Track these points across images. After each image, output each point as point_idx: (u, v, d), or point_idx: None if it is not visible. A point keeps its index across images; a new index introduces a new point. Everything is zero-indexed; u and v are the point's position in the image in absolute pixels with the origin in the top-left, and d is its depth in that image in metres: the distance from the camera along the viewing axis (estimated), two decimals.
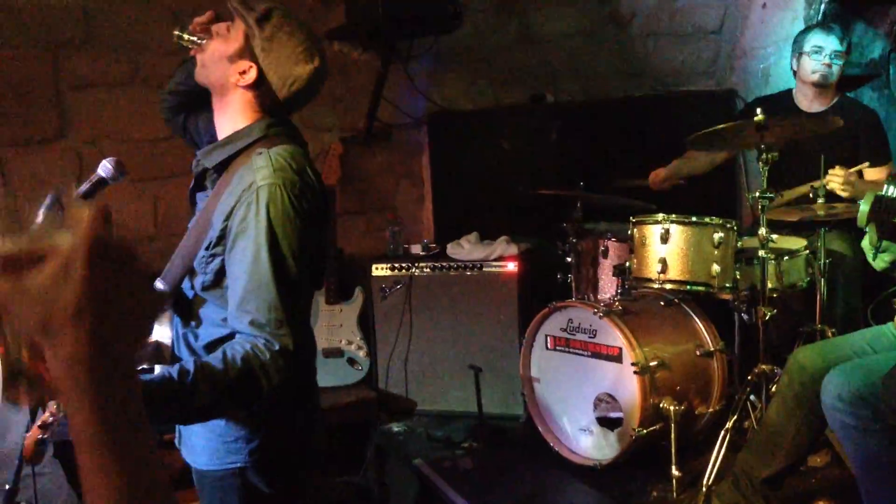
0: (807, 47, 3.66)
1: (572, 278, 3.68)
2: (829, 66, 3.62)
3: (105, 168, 1.85)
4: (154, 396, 1.52)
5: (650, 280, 3.23)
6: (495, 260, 3.87)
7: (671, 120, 4.61)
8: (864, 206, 2.11)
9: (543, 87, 4.53)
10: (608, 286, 3.58)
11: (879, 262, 2.21)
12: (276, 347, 1.63)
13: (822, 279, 3.22)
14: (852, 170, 3.27)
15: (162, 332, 1.88)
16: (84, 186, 1.82)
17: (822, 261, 3.23)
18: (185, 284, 1.85)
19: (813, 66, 3.65)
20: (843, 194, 3.19)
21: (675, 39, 4.87)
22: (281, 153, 1.77)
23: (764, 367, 3.03)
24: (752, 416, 3.12)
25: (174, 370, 1.56)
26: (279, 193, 1.70)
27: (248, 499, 1.81)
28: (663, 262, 3.17)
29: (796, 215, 3.17)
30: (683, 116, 4.63)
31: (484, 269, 3.87)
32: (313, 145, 4.12)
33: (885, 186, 2.08)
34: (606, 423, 3.29)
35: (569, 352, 3.37)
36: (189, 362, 1.59)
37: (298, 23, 1.82)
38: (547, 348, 3.44)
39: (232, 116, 1.84)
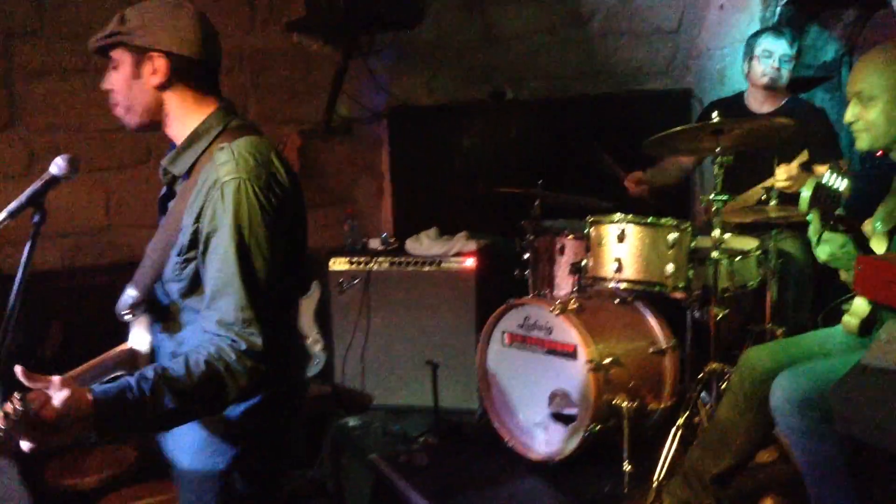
0: (757, 51, 3.73)
1: (530, 275, 3.71)
2: (778, 69, 3.68)
3: (58, 166, 1.81)
4: (113, 407, 1.52)
5: (606, 279, 3.26)
6: (454, 255, 3.89)
7: (629, 118, 4.67)
8: (804, 193, 2.15)
9: (504, 85, 4.55)
10: (565, 283, 3.62)
11: (821, 253, 2.25)
12: (243, 347, 1.61)
13: (773, 279, 3.29)
14: (793, 163, 3.33)
15: (138, 339, 1.86)
16: (36, 185, 1.78)
17: (774, 261, 3.29)
18: (159, 290, 1.82)
19: (763, 70, 3.71)
20: (788, 190, 3.25)
21: (633, 38, 4.92)
22: (243, 145, 1.74)
23: (715, 365, 3.09)
24: (703, 412, 3.18)
25: (133, 379, 1.55)
26: (244, 188, 1.67)
27: (227, 500, 1.80)
28: (619, 261, 3.21)
29: (749, 217, 3.23)
30: (641, 115, 4.68)
31: (442, 264, 3.89)
32: (273, 138, 4.13)
33: (826, 174, 2.13)
34: (561, 418, 3.33)
35: (525, 348, 3.40)
36: (149, 369, 1.57)
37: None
38: (503, 344, 3.47)
39: (180, 118, 1.82)
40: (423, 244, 3.96)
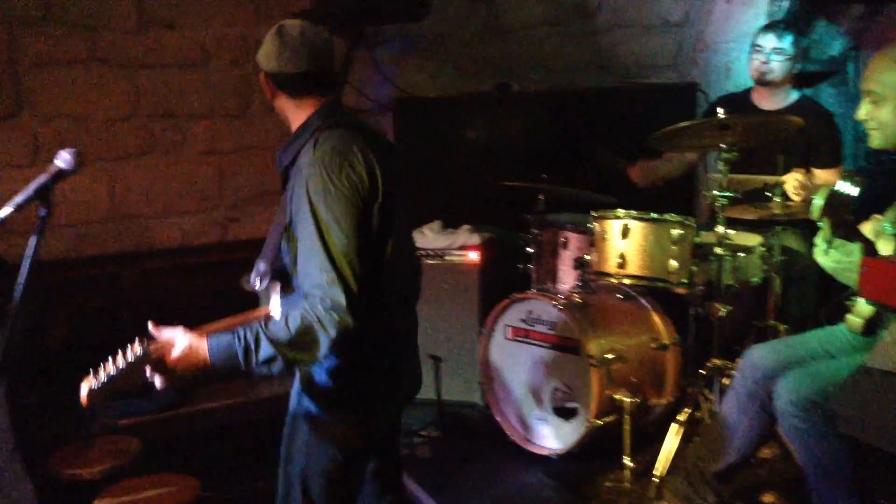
0: (752, 47, 3.73)
1: (533, 269, 3.71)
2: (767, 63, 3.65)
3: (64, 159, 1.83)
4: (224, 353, 1.92)
5: (609, 274, 3.27)
6: (457, 249, 3.89)
7: (634, 112, 4.65)
8: (817, 201, 2.15)
9: (509, 77, 4.54)
10: (568, 278, 3.62)
11: (826, 261, 2.25)
12: (329, 304, 1.89)
13: (777, 276, 3.29)
14: (813, 180, 3.33)
15: (273, 304, 2.11)
16: (42, 178, 1.80)
17: (777, 258, 3.29)
18: (286, 260, 2.10)
19: (754, 65, 3.70)
20: (796, 197, 3.25)
21: (640, 31, 4.90)
22: (326, 137, 2.05)
23: (717, 361, 3.10)
24: (704, 408, 3.19)
25: (242, 330, 1.92)
26: (317, 171, 1.98)
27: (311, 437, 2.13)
28: (622, 256, 3.21)
29: (753, 214, 3.22)
30: (646, 108, 4.67)
31: (446, 257, 3.88)
32: (277, 129, 4.10)
33: (840, 182, 2.13)
34: (563, 413, 3.34)
35: (528, 342, 3.40)
36: (256, 323, 1.93)
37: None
38: (507, 338, 3.47)
39: (290, 119, 2.18)
40: (427, 237, 3.96)
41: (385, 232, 2.07)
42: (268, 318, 1.98)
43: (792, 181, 3.25)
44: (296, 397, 2.19)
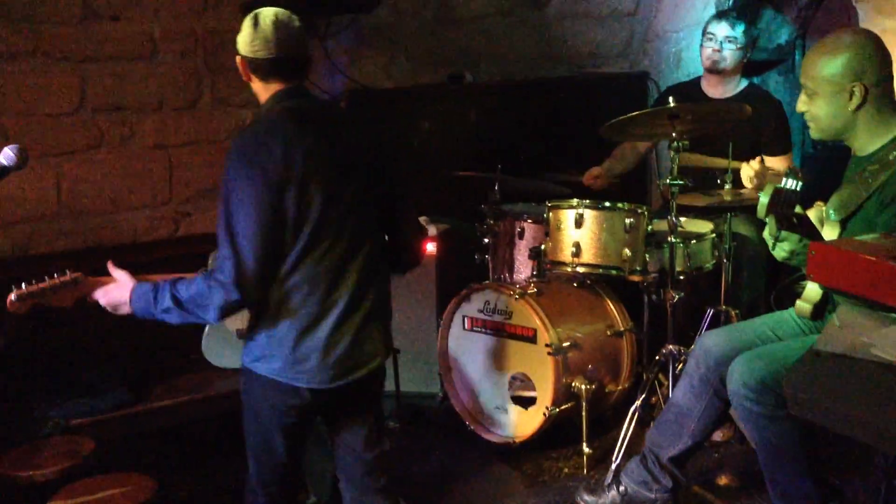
0: (703, 35, 3.77)
1: (490, 259, 3.73)
2: (720, 51, 3.71)
3: (7, 156, 1.78)
4: (140, 297, 2.21)
5: (564, 263, 3.29)
6: None
7: (586, 101, 4.69)
8: (763, 199, 2.19)
9: (462, 68, 4.53)
10: (524, 268, 3.64)
11: (779, 252, 2.30)
12: (220, 277, 2.12)
13: (728, 262, 3.34)
14: (768, 166, 3.37)
15: None
16: None
17: (728, 244, 3.35)
18: None
19: (705, 53, 3.76)
20: (749, 184, 3.30)
21: (591, 21, 4.93)
22: (255, 120, 2.36)
23: (671, 346, 3.15)
24: (660, 393, 3.24)
25: (162, 283, 2.20)
26: (232, 153, 2.17)
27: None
28: (577, 245, 3.24)
29: (704, 201, 3.27)
30: (598, 98, 4.71)
31: None
32: (228, 121, 4.07)
33: (784, 179, 2.17)
34: (521, 401, 3.37)
35: (485, 332, 3.42)
36: (168, 281, 2.20)
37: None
38: (464, 329, 3.48)
39: (261, 101, 2.35)
40: None
41: (305, 213, 2.17)
42: (180, 279, 2.21)
43: (747, 170, 3.29)
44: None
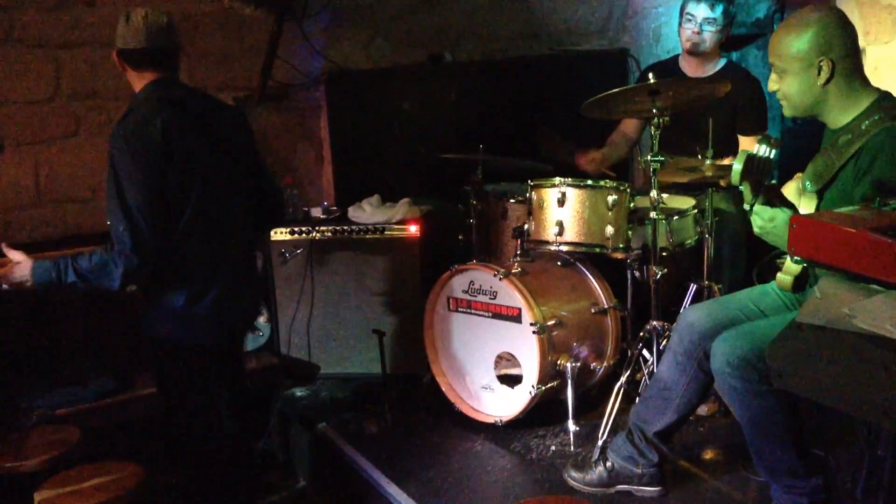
0: (682, 16, 3.76)
1: (474, 240, 3.73)
2: (699, 33, 3.70)
3: None
4: (42, 274, 2.54)
5: (548, 242, 3.30)
6: (397, 223, 3.87)
7: (567, 79, 4.68)
8: (737, 166, 2.19)
9: (442, 48, 4.51)
10: (508, 247, 3.64)
11: (754, 226, 2.30)
12: (119, 246, 2.45)
13: (710, 237, 3.36)
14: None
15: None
16: None
17: (710, 219, 3.36)
18: None
19: (685, 35, 3.75)
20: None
21: None
22: (133, 110, 2.55)
23: (655, 322, 3.16)
24: (645, 369, 3.26)
25: (62, 259, 2.50)
26: (118, 139, 2.48)
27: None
28: (560, 224, 3.25)
29: (686, 177, 3.28)
30: (578, 75, 4.71)
31: (386, 231, 3.87)
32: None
33: (756, 146, 2.17)
34: (507, 380, 3.38)
35: (470, 313, 3.42)
36: (68, 257, 2.51)
37: None
38: (449, 309, 3.49)
39: (135, 90, 2.64)
40: (366, 212, 3.94)
41: (187, 190, 2.52)
42: (79, 253, 2.51)
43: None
44: None
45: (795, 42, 2.32)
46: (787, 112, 2.44)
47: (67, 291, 2.63)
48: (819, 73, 2.32)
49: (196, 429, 2.78)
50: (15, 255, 2.60)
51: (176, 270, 2.59)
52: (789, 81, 2.36)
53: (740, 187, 2.25)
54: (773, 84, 2.41)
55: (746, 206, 2.33)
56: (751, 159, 2.14)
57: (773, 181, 2.27)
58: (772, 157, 2.15)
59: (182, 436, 2.83)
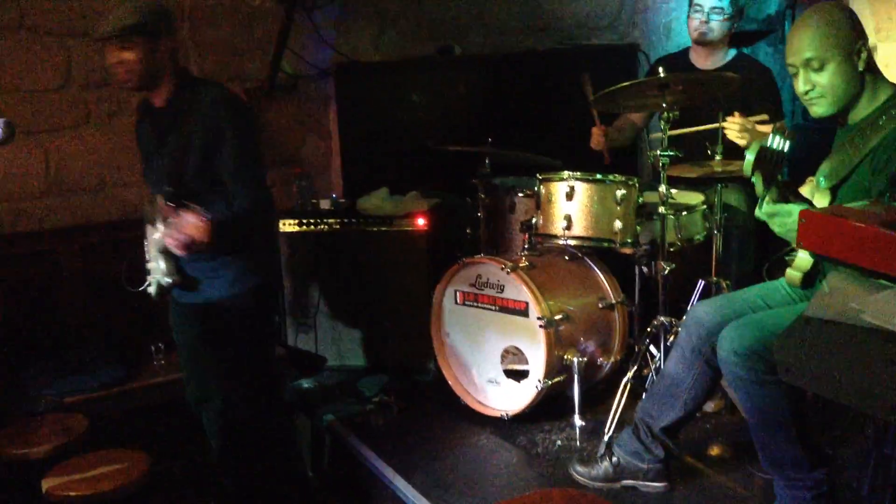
0: (691, 7, 3.75)
1: (481, 233, 3.72)
2: (707, 22, 3.68)
3: None
4: (220, 228, 2.61)
5: (556, 236, 3.29)
6: (405, 215, 3.87)
7: (576, 73, 4.66)
8: (749, 156, 2.16)
9: (452, 40, 4.50)
10: (516, 241, 3.64)
11: (775, 227, 2.26)
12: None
13: (719, 233, 3.35)
14: (751, 118, 3.34)
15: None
16: None
17: (719, 215, 3.35)
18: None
19: (693, 24, 3.73)
20: (741, 142, 3.28)
21: None
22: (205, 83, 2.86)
23: (663, 318, 3.15)
24: (651, 365, 3.25)
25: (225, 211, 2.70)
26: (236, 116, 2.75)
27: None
28: (568, 218, 3.24)
29: (695, 172, 3.26)
30: (588, 70, 4.68)
31: (394, 224, 3.86)
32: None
33: (770, 137, 2.14)
34: (513, 374, 3.38)
35: (477, 306, 3.42)
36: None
37: None
38: (456, 303, 3.49)
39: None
40: (374, 204, 3.94)
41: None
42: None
43: (732, 126, 3.27)
44: None
45: (833, 30, 2.29)
46: (821, 110, 2.37)
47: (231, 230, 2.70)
48: (859, 58, 2.30)
49: (261, 386, 2.99)
50: (187, 216, 2.59)
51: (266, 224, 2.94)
52: (832, 71, 2.30)
53: (752, 179, 2.22)
54: (804, 84, 2.34)
55: (759, 197, 2.28)
56: (764, 150, 2.12)
57: (785, 177, 2.25)
58: (785, 149, 2.13)
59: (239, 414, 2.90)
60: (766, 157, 2.12)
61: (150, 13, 2.68)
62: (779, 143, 2.11)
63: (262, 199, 2.78)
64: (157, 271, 2.81)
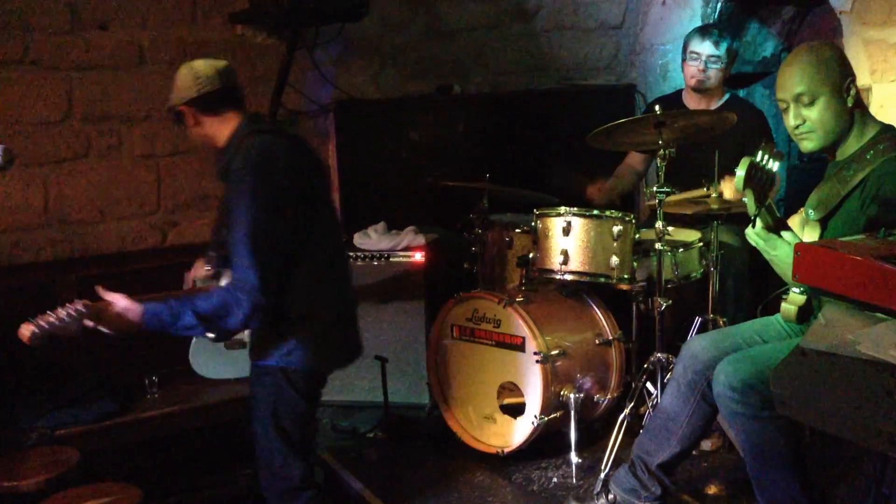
0: (686, 53, 3.79)
1: (478, 268, 3.73)
2: (704, 71, 3.73)
3: None
4: (153, 319, 2.37)
5: (552, 271, 3.30)
6: (402, 250, 3.88)
7: (574, 113, 4.71)
8: (739, 172, 2.16)
9: (451, 79, 4.55)
10: (513, 276, 3.64)
11: (753, 236, 2.28)
12: (244, 286, 2.36)
13: (715, 270, 3.35)
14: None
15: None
16: None
17: (715, 252, 3.35)
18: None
19: (690, 72, 3.78)
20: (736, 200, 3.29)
21: (578, 34, 4.97)
22: (252, 143, 2.45)
23: (659, 355, 3.14)
24: (648, 402, 3.24)
25: (174, 301, 2.37)
26: (245, 173, 2.41)
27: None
28: (565, 253, 3.25)
29: (691, 209, 3.28)
30: (585, 109, 4.74)
31: (391, 259, 3.87)
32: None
33: (758, 154, 2.15)
34: (510, 410, 3.36)
35: (474, 341, 3.41)
36: (181, 299, 2.39)
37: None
38: (453, 337, 3.48)
39: (219, 135, 2.56)
40: (372, 239, 3.95)
41: (310, 221, 2.48)
42: (192, 294, 2.43)
43: (727, 192, 3.28)
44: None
45: (823, 67, 2.33)
46: (811, 144, 2.39)
47: (177, 334, 2.42)
48: (848, 95, 2.34)
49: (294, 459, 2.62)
50: (117, 299, 2.37)
51: (311, 300, 2.52)
52: (822, 106, 2.33)
53: (744, 198, 2.23)
54: (794, 119, 2.36)
55: (751, 215, 2.28)
56: (753, 165, 2.14)
57: (780, 214, 2.27)
58: (775, 168, 2.15)
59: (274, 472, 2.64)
60: (756, 175, 2.14)
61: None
62: (766, 159, 2.13)
63: (255, 285, 2.35)
64: None
